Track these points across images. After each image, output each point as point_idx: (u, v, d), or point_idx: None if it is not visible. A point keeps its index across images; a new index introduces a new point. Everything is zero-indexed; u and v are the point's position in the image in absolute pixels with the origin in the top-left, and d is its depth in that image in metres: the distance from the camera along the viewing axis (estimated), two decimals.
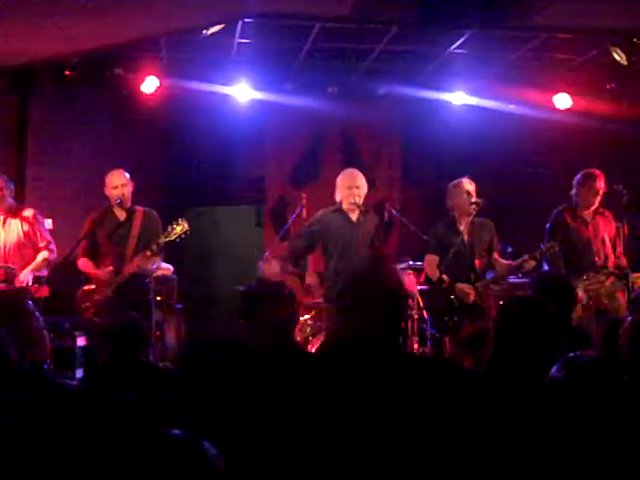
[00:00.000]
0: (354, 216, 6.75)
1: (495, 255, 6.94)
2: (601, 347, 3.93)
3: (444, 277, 6.67)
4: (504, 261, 6.95)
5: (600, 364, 2.54)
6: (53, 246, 7.00)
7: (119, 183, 6.68)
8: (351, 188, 6.71)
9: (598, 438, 2.36)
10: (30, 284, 6.75)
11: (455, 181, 6.95)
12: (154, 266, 6.67)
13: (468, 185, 6.84)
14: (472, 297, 6.67)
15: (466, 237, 6.80)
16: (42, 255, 6.91)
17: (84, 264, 6.67)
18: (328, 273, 6.82)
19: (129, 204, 6.74)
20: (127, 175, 6.74)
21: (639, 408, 2.53)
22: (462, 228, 6.84)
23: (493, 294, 6.85)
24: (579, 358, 2.60)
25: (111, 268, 6.52)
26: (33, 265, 6.85)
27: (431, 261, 6.96)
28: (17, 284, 6.74)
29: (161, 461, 1.70)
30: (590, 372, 2.49)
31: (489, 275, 6.95)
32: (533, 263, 6.63)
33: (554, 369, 2.57)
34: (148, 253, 6.47)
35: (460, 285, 6.68)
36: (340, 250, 6.73)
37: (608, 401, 2.41)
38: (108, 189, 6.71)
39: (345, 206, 6.76)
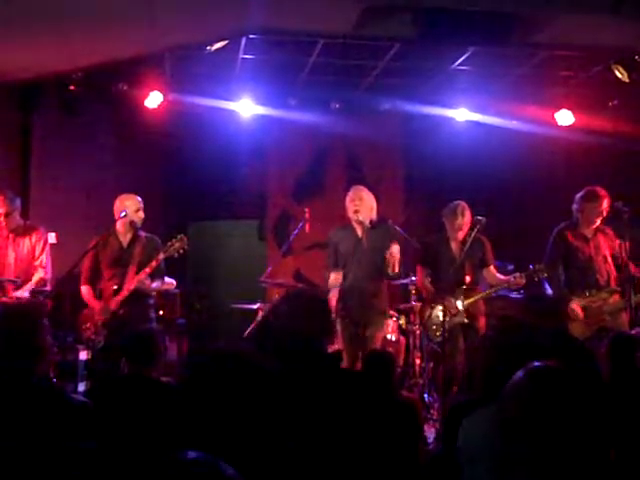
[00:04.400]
0: (360, 231, 6.79)
1: (491, 269, 7.06)
2: (607, 363, 3.92)
3: (425, 292, 6.95)
4: (500, 276, 7.02)
5: (561, 373, 2.54)
6: (48, 268, 7.02)
7: (140, 207, 6.74)
8: (353, 200, 6.80)
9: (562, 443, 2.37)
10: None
11: (454, 204, 7.10)
12: (154, 285, 6.69)
13: (459, 213, 7.02)
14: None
15: (457, 253, 6.94)
16: (38, 275, 6.93)
17: (86, 292, 6.72)
18: (341, 288, 6.90)
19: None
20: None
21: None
22: (453, 245, 6.98)
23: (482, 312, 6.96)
24: (541, 367, 2.60)
25: (110, 305, 6.56)
26: (28, 285, 6.85)
27: (420, 271, 7.20)
28: (8, 294, 6.77)
29: None
30: (551, 380, 2.49)
31: (482, 289, 7.04)
32: (522, 281, 6.75)
33: (517, 375, 2.57)
34: (147, 270, 6.53)
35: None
36: (347, 265, 6.81)
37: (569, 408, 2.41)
38: (129, 211, 6.69)
39: (352, 220, 6.83)
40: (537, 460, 2.34)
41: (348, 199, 6.88)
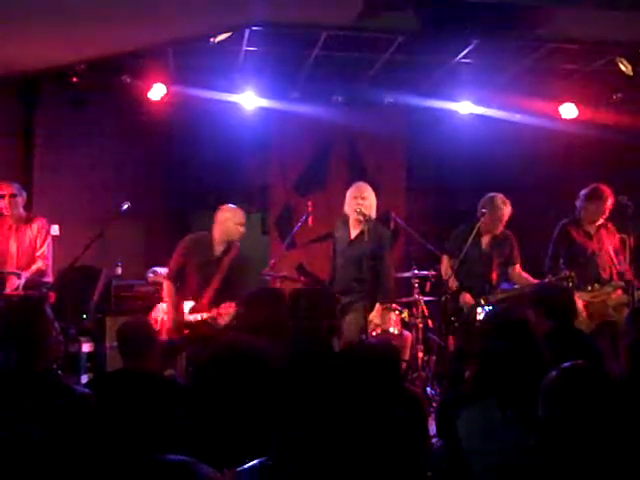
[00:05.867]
0: (354, 232, 6.80)
1: (517, 268, 7.03)
2: (626, 360, 3.86)
3: (451, 282, 6.80)
4: (528, 277, 6.98)
5: (593, 372, 2.53)
6: (48, 259, 7.04)
7: (244, 221, 6.70)
8: (356, 198, 6.78)
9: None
10: (20, 288, 6.77)
11: (492, 195, 7.05)
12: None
13: (495, 206, 6.97)
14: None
15: (487, 249, 6.93)
16: (35, 265, 6.97)
17: (167, 290, 6.60)
18: (334, 278, 6.89)
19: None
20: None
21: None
22: (483, 240, 6.95)
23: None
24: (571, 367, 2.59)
25: (187, 318, 6.46)
26: (25, 273, 6.88)
27: (445, 261, 7.19)
28: (9, 287, 6.79)
29: None
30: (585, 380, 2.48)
31: (505, 286, 7.00)
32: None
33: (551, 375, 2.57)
34: (223, 312, 6.36)
35: (465, 295, 6.79)
36: (338, 262, 6.82)
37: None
38: (229, 224, 6.64)
39: (350, 218, 6.81)
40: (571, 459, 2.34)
41: (350, 196, 6.85)
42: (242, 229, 6.68)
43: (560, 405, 2.44)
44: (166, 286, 6.63)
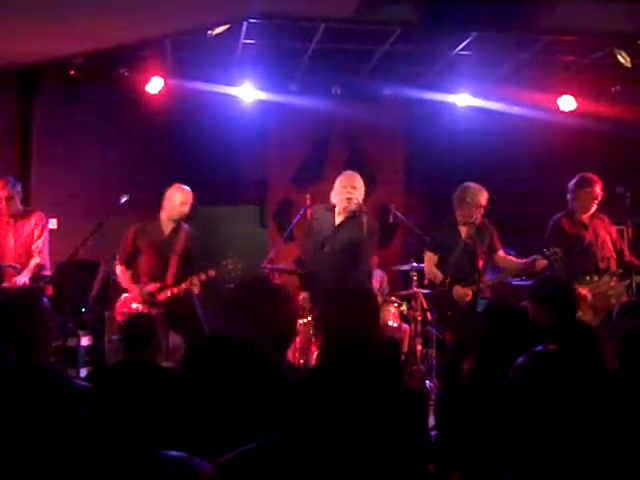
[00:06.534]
0: (339, 219, 6.67)
1: (501, 253, 7.01)
2: (620, 349, 3.85)
3: (446, 280, 6.79)
4: (513, 258, 6.97)
5: (563, 356, 2.52)
6: (45, 254, 7.04)
7: (188, 201, 6.75)
8: (346, 187, 6.57)
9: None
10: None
11: (467, 185, 6.96)
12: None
13: (474, 194, 6.87)
14: (469, 298, 6.70)
15: (467, 239, 6.85)
16: (34, 261, 6.97)
17: (121, 273, 6.76)
18: (313, 271, 6.80)
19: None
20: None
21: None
22: (463, 231, 6.90)
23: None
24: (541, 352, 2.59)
25: (148, 288, 6.54)
26: (26, 271, 6.89)
27: (429, 258, 7.09)
28: (7, 281, 6.80)
29: None
30: (554, 364, 2.48)
31: (491, 274, 7.00)
32: (543, 263, 6.58)
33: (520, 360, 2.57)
34: (195, 281, 6.49)
35: (457, 288, 6.75)
36: (325, 251, 6.66)
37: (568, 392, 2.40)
38: (173, 202, 6.72)
39: (338, 207, 6.66)
40: (542, 446, 2.34)
41: (339, 185, 6.68)
42: (185, 209, 6.74)
43: (527, 389, 2.43)
44: (120, 270, 6.76)
